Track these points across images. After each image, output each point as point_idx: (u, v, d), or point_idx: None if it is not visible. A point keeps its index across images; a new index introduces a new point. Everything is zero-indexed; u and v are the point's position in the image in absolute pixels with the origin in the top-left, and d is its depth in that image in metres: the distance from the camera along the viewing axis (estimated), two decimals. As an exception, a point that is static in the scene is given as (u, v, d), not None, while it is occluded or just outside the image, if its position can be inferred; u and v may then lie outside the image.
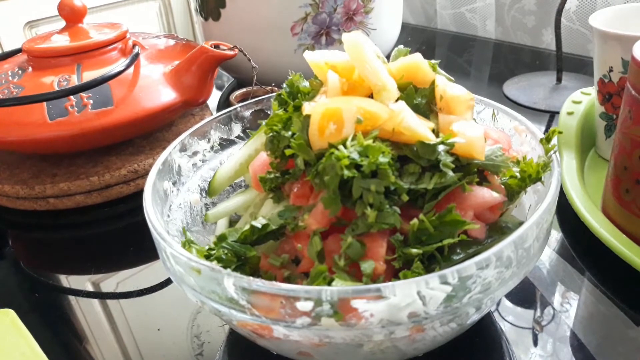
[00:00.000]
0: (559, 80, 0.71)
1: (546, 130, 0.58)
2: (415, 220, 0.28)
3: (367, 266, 0.27)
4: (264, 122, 0.35)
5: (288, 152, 0.31)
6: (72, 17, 0.58)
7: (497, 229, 0.31)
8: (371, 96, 0.32)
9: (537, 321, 0.37)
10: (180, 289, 0.30)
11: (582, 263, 0.41)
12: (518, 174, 0.32)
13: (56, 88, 0.52)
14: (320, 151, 0.30)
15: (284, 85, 0.37)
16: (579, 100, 0.55)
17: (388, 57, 0.36)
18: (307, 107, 0.31)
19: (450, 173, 0.29)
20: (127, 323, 0.40)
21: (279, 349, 0.31)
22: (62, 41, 0.56)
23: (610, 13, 0.51)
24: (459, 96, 0.32)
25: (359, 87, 0.33)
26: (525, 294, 0.39)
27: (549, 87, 0.71)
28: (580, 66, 0.78)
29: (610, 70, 0.48)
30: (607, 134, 0.51)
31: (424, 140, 0.29)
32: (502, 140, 0.35)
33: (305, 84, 0.37)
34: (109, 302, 0.43)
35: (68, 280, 0.46)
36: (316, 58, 0.34)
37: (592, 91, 0.55)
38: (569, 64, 0.77)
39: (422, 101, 0.33)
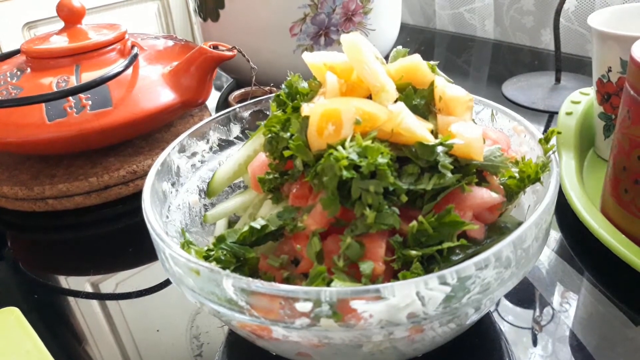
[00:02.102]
0: (557, 80, 0.71)
1: (545, 131, 0.58)
2: (414, 223, 0.28)
3: (366, 267, 0.27)
4: (262, 123, 0.35)
5: (287, 153, 0.31)
6: (70, 18, 0.58)
7: (496, 230, 0.31)
8: (370, 97, 0.32)
9: (537, 321, 0.37)
10: (179, 290, 0.30)
11: (581, 263, 0.41)
12: (517, 175, 0.32)
13: (55, 89, 0.52)
14: (319, 152, 0.29)
15: (283, 86, 0.37)
16: (578, 101, 0.55)
17: (387, 57, 0.36)
18: (306, 108, 0.31)
19: (449, 174, 0.29)
20: (127, 324, 0.40)
21: (278, 349, 0.31)
22: (60, 42, 0.56)
23: (609, 13, 0.51)
24: (458, 97, 0.32)
25: (358, 88, 0.33)
26: (524, 294, 0.39)
27: (547, 87, 0.71)
28: (579, 66, 0.78)
29: (609, 70, 0.48)
30: (606, 134, 0.51)
31: (422, 141, 0.29)
32: (501, 140, 0.35)
33: (304, 84, 0.37)
34: (108, 303, 0.43)
35: (67, 282, 0.46)
36: (315, 59, 0.34)
37: (591, 91, 0.55)
38: (567, 64, 0.77)
39: (421, 102, 0.33)
